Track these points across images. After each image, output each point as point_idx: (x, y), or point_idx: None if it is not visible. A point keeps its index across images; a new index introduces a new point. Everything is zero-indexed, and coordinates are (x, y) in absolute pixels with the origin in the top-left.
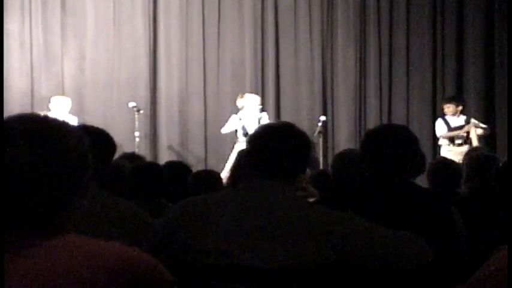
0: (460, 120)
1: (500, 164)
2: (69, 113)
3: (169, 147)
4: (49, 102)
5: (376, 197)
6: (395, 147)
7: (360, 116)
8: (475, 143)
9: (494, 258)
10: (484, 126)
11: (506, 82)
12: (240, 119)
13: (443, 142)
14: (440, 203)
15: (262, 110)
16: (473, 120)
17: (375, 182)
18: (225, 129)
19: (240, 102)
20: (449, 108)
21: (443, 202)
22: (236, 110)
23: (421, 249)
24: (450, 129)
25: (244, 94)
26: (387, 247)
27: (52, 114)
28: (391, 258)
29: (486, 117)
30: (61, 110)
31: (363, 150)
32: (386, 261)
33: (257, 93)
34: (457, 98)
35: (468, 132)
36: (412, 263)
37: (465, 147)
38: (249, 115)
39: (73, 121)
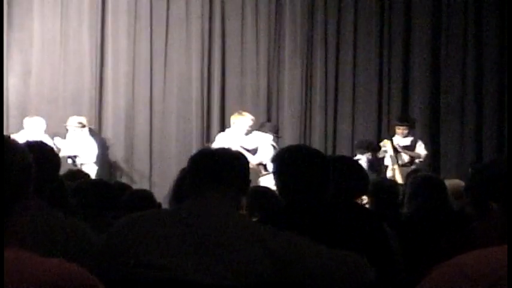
0: (407, 141)
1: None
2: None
3: (114, 164)
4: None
5: (315, 217)
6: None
7: (305, 134)
8: (387, 162)
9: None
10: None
11: (448, 106)
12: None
13: (387, 162)
14: (371, 220)
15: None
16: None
17: (314, 202)
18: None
19: (234, 119)
20: (403, 130)
21: (373, 219)
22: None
23: (364, 268)
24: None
25: (242, 112)
26: (331, 266)
27: (26, 134)
28: (334, 277)
29: (431, 136)
30: (35, 130)
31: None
32: (330, 280)
33: (203, 110)
34: (410, 119)
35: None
36: (355, 282)
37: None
38: (237, 134)
39: (48, 141)
